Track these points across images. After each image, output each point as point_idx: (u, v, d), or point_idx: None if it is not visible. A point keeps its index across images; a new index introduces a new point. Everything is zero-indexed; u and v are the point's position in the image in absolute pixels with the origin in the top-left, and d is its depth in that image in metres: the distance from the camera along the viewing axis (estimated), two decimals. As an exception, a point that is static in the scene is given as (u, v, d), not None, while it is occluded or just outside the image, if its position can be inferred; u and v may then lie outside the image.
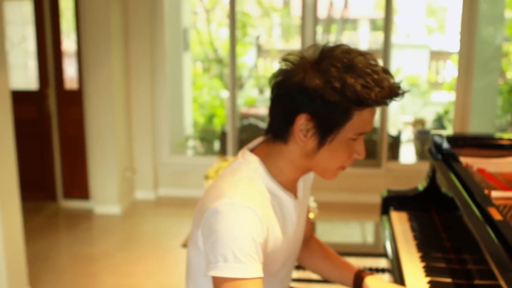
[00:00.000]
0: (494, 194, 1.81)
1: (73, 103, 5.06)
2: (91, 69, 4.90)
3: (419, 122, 7.20)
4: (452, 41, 9.84)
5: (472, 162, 2.17)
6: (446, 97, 8.50)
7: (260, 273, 1.33)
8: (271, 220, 1.41)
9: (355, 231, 3.15)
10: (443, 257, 1.77)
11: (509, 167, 2.17)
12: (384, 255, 2.38)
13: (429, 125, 7.26)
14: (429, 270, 1.67)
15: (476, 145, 2.23)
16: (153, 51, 5.36)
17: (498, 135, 2.32)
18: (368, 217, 4.82)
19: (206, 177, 2.78)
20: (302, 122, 1.33)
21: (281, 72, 1.38)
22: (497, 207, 1.52)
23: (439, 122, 7.15)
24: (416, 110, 7.88)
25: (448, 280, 1.62)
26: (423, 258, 1.76)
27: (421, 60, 10.19)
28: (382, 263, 2.75)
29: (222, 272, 1.30)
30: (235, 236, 1.30)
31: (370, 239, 2.97)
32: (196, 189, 5.37)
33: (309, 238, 1.82)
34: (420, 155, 6.60)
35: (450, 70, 9.91)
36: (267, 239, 1.40)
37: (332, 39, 8.05)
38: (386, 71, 1.35)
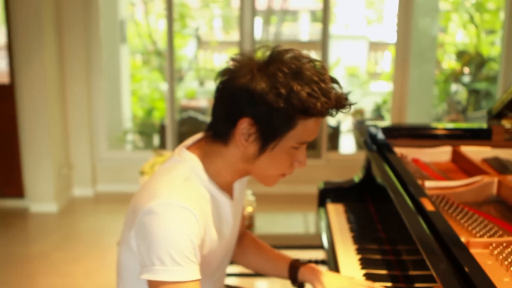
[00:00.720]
0: (428, 184, 1.82)
1: (4, 98, 4.87)
2: (23, 63, 4.72)
3: (358, 112, 7.29)
4: (390, 32, 10.00)
5: (406, 152, 2.18)
6: (384, 87, 8.64)
7: (198, 275, 1.29)
8: (207, 221, 1.37)
9: (295, 223, 3.14)
10: (379, 248, 1.77)
11: (442, 156, 2.20)
12: (322, 247, 2.38)
13: (368, 115, 7.36)
14: (365, 263, 1.67)
15: (410, 135, 2.24)
16: (88, 43, 5.21)
17: (432, 125, 2.35)
18: (310, 208, 4.79)
19: (142, 173, 2.71)
20: (244, 126, 1.29)
21: (227, 72, 1.33)
22: (429, 198, 1.52)
23: (378, 112, 7.25)
24: (355, 100, 7.93)
25: (384, 272, 1.62)
26: (359, 251, 1.76)
27: (360, 51, 10.32)
28: (322, 255, 2.75)
29: (159, 275, 1.25)
30: (172, 237, 1.25)
31: (311, 230, 2.96)
32: (135, 184, 5.27)
33: (242, 235, 1.79)
34: (360, 145, 6.67)
35: (388, 61, 10.07)
36: (204, 240, 1.36)
37: (272, 30, 8.04)
38: (334, 80, 1.32)
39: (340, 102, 1.30)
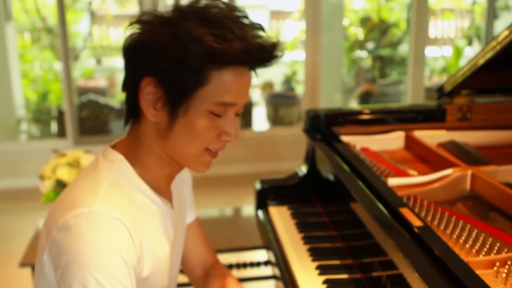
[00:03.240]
0: (391, 182, 1.56)
1: None
2: None
3: (267, 85, 7.02)
4: (290, 0, 9.80)
5: (354, 140, 1.92)
6: (288, 57, 8.43)
7: None
8: (145, 234, 1.07)
9: (222, 220, 2.85)
10: (342, 264, 1.49)
11: (394, 143, 1.96)
12: (262, 247, 2.11)
13: (278, 87, 7.12)
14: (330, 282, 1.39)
15: (357, 121, 1.97)
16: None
17: (381, 108, 2.10)
18: (226, 192, 4.59)
19: (41, 178, 2.30)
20: (148, 89, 1.06)
21: (128, 37, 1.10)
22: (410, 208, 1.25)
23: (288, 84, 7.03)
24: (261, 72, 7.66)
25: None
26: (321, 271, 1.46)
27: (261, 20, 10.06)
28: (261, 255, 2.46)
29: None
30: (96, 256, 0.95)
31: (236, 226, 2.66)
32: (35, 178, 4.73)
33: (211, 267, 1.45)
34: (273, 120, 6.42)
35: (290, 29, 9.90)
36: (142, 260, 1.06)
37: (169, 2, 7.62)
38: (258, 27, 1.08)
39: (263, 47, 1.07)
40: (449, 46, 7.90)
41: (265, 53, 1.08)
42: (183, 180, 1.37)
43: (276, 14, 10.40)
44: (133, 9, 7.30)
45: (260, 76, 1.18)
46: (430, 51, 7.53)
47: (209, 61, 1.04)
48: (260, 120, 6.77)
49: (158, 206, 1.15)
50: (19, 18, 7.15)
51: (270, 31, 9.96)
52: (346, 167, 1.57)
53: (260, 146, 5.16)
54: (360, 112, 2.01)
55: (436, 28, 8.47)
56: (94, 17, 8.38)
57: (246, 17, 1.09)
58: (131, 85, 1.11)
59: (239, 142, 5.15)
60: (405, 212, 1.22)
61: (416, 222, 1.17)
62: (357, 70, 7.01)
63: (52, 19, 7.06)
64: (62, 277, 0.98)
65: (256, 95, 7.33)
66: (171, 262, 1.23)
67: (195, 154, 1.12)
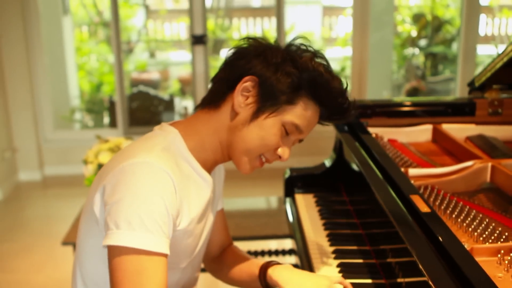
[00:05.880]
0: (412, 172, 1.59)
1: None
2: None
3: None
4: (343, -4, 9.76)
5: (381, 132, 1.95)
6: (340, 53, 8.41)
7: (166, 249, 1.10)
8: (185, 197, 1.20)
9: (259, 209, 2.91)
10: (359, 249, 1.54)
11: (421, 135, 1.98)
12: (289, 236, 2.16)
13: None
14: (346, 271, 1.43)
15: (385, 113, 2.00)
16: (25, 16, 4.82)
17: (409, 100, 2.11)
18: (266, 183, 4.63)
19: (85, 162, 2.42)
20: (247, 84, 1.22)
21: (246, 41, 1.28)
22: (421, 195, 1.29)
23: (336, 79, 7.05)
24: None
25: (369, 280, 1.39)
26: (337, 255, 1.51)
27: (314, 16, 10.07)
28: (289, 244, 2.52)
29: (122, 239, 1.06)
30: (145, 198, 1.08)
31: (275, 217, 2.71)
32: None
33: (227, 248, 1.56)
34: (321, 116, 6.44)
35: (343, 26, 9.86)
36: (179, 215, 1.18)
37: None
38: (346, 89, 1.27)
39: (347, 108, 1.27)
40: (505, 45, 7.72)
41: (346, 113, 1.28)
42: (220, 169, 1.48)
43: (329, 10, 10.37)
44: (186, 5, 7.42)
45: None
46: (484, 49, 7.38)
47: (308, 88, 1.22)
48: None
49: (202, 179, 1.27)
50: (77, 13, 7.36)
51: (322, 26, 9.95)
52: (365, 156, 1.62)
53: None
54: (388, 105, 2.04)
55: (492, 25, 8.28)
56: (149, 12, 8.55)
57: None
58: (230, 77, 1.25)
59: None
60: (415, 199, 1.26)
61: (424, 209, 1.21)
62: (407, 67, 6.95)
63: (109, 14, 7.25)
64: (111, 212, 1.09)
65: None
66: (206, 232, 1.34)
67: (251, 153, 1.26)
